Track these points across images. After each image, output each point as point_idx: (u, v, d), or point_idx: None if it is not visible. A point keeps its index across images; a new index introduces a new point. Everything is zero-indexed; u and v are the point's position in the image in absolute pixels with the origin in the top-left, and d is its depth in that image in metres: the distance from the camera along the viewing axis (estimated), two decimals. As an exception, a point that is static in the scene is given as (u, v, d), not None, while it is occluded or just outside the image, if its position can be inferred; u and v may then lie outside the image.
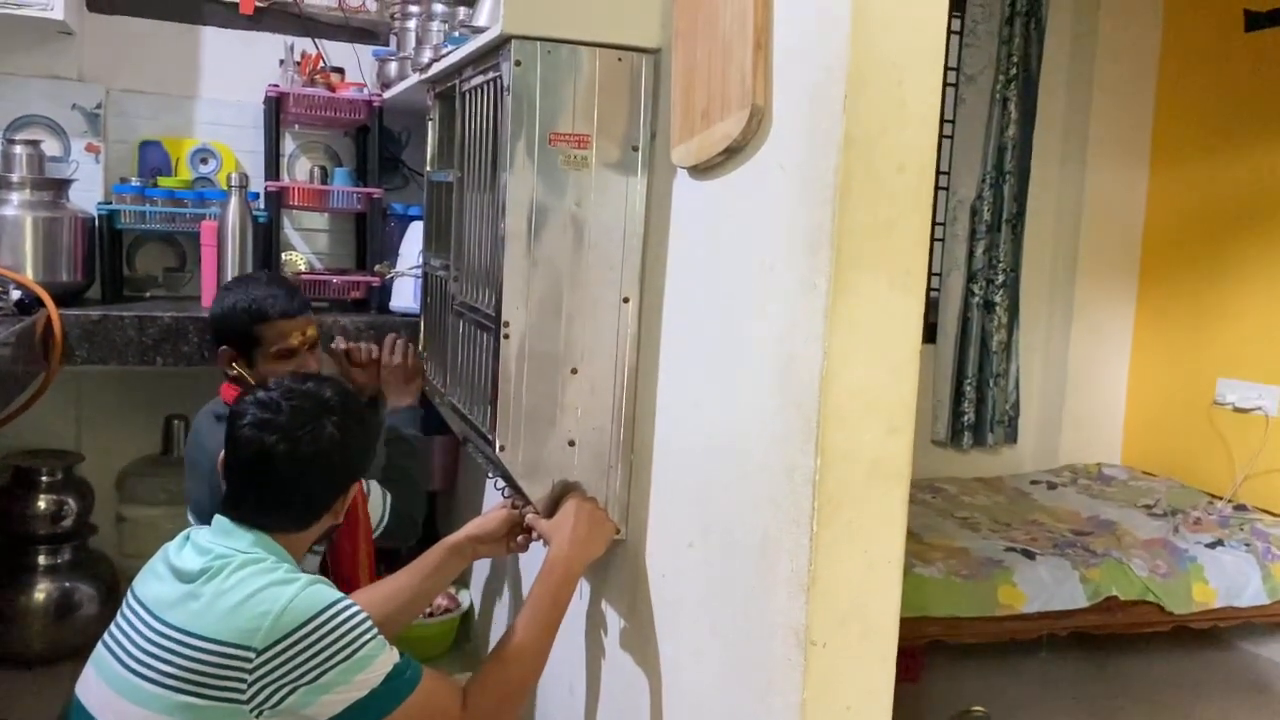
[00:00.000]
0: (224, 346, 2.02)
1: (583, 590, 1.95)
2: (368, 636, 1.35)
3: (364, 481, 2.03)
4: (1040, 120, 3.87)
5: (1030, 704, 2.86)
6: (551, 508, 1.69)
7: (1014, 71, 3.76)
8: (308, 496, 1.49)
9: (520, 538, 1.85)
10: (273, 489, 1.46)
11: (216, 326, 2.05)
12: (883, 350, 1.16)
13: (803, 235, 1.18)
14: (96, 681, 1.40)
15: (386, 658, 1.37)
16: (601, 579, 1.87)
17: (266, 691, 1.31)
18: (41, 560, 2.74)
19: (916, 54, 1.13)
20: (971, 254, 3.86)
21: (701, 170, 1.45)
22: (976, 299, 3.87)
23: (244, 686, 1.30)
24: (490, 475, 2.11)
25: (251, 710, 1.31)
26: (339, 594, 1.38)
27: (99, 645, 1.45)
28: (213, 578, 1.36)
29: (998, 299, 3.89)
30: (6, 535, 2.78)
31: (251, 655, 1.30)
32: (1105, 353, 4.14)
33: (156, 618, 1.37)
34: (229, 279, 2.53)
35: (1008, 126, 3.80)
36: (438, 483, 3.14)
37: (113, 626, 1.45)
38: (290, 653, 1.31)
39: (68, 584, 2.74)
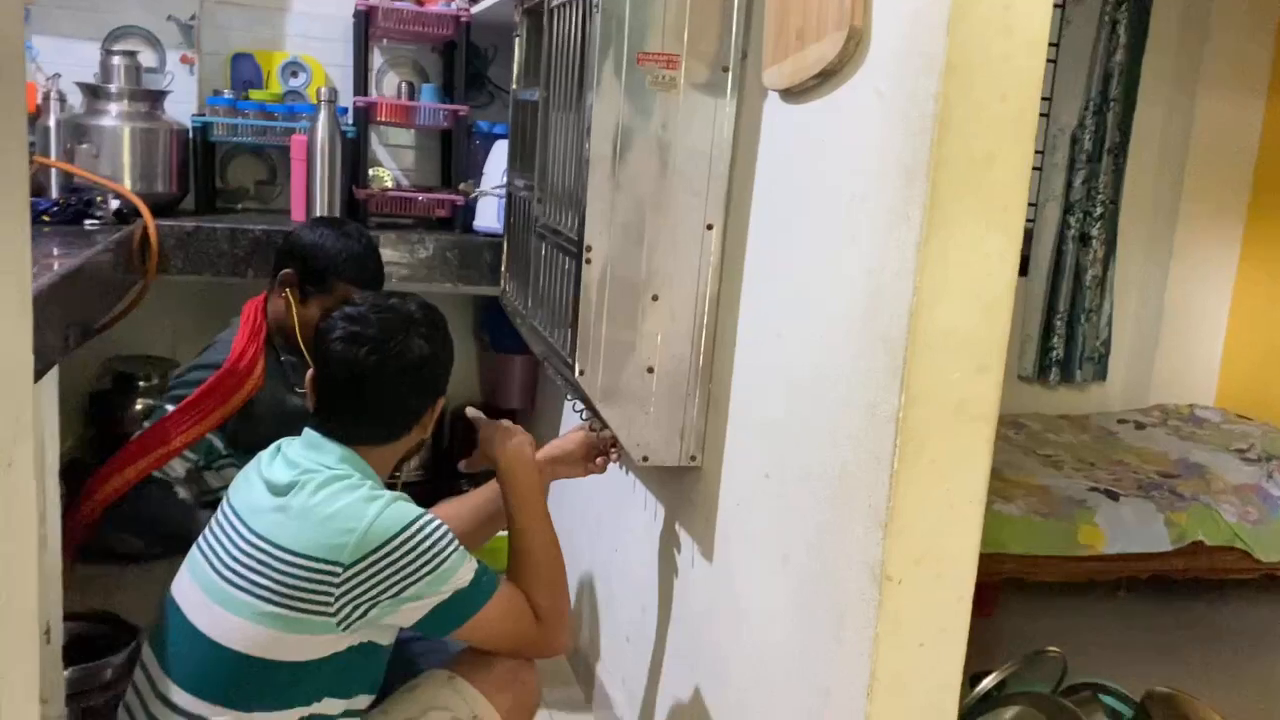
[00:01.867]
0: (289, 269, 2.05)
1: (656, 513, 1.97)
2: (450, 550, 1.39)
3: None
4: (1150, 45, 3.68)
5: (1105, 645, 2.83)
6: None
7: (1126, -8, 3.58)
8: (396, 408, 1.52)
9: (599, 459, 1.86)
10: (363, 401, 1.49)
11: (299, 251, 2.07)
12: (975, 287, 1.13)
13: (897, 165, 1.15)
14: (190, 584, 1.46)
15: (467, 568, 1.42)
16: (675, 503, 1.88)
17: (351, 605, 1.35)
18: (139, 461, 2.85)
19: (1027, -25, 1.08)
20: (1070, 184, 3.73)
21: (794, 94, 1.41)
22: (1072, 231, 3.75)
23: (331, 600, 1.35)
24: (569, 397, 2.13)
25: (338, 624, 1.36)
26: (421, 509, 1.42)
27: (194, 549, 1.51)
28: (299, 491, 1.40)
29: (1094, 232, 3.75)
30: (106, 436, 2.89)
31: (339, 570, 1.34)
32: (1205, 291, 3.99)
33: (248, 527, 1.42)
34: (314, 201, 2.58)
35: (1115, 51, 3.62)
36: (518, 401, 3.18)
37: (207, 532, 1.50)
38: (376, 568, 1.35)
39: (162, 486, 2.85)
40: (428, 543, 1.38)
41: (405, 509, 1.40)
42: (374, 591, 1.35)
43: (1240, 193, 3.93)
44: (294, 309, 2.06)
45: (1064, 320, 3.82)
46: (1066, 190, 3.73)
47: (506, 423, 1.72)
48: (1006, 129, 1.10)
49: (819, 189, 1.35)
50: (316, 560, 1.35)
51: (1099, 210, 3.74)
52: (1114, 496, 2.86)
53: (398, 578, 1.36)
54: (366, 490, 1.41)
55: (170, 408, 2.04)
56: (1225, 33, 3.78)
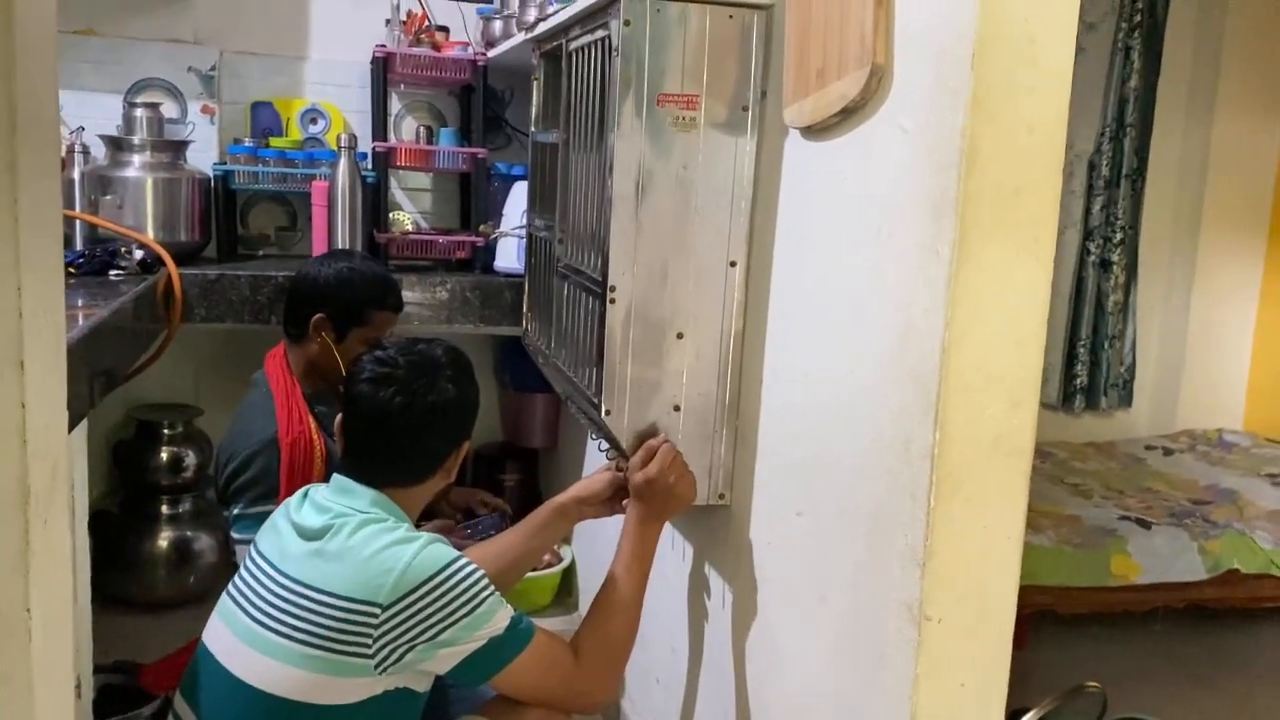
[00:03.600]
0: (321, 314, 2.04)
1: (685, 553, 1.95)
2: (486, 594, 1.39)
3: None
4: (1165, 70, 3.68)
5: (1142, 678, 2.78)
6: (636, 447, 1.68)
7: (1138, 18, 3.58)
8: (423, 451, 1.52)
9: (626, 501, 1.85)
10: (390, 443, 1.49)
11: (324, 293, 2.05)
12: (1008, 321, 1.12)
13: (925, 200, 1.14)
14: (223, 631, 1.45)
15: (503, 614, 1.41)
16: (705, 544, 1.86)
17: (389, 647, 1.35)
18: (164, 510, 2.86)
19: (1049, 10, 1.08)
20: (1089, 211, 3.72)
21: (815, 131, 1.41)
22: (1093, 257, 3.73)
23: (370, 642, 1.34)
24: (594, 436, 2.12)
25: (376, 666, 1.35)
26: (456, 552, 1.42)
27: (224, 597, 1.51)
28: (335, 535, 1.40)
29: (1115, 257, 3.74)
30: (131, 485, 2.90)
31: (378, 611, 1.34)
32: (1229, 314, 3.96)
33: (281, 572, 1.41)
34: (335, 246, 2.59)
35: (1130, 77, 3.62)
36: (540, 440, 3.17)
37: (236, 579, 1.50)
38: (413, 609, 1.35)
39: (188, 533, 2.86)
40: (463, 585, 1.37)
41: (442, 551, 1.40)
42: (412, 634, 1.35)
43: (1260, 214, 3.91)
44: (335, 351, 2.03)
45: (1087, 347, 3.79)
46: (1085, 217, 3.72)
47: (677, 456, 1.64)
48: (1034, 161, 1.10)
49: (844, 226, 1.35)
50: (355, 601, 1.35)
51: (1119, 236, 3.73)
52: (1146, 525, 2.82)
53: (435, 620, 1.35)
54: (402, 532, 1.41)
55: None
56: (1238, 57, 3.77)
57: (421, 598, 1.35)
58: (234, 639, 1.43)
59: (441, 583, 1.36)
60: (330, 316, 2.04)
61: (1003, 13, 1.06)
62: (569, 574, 2.98)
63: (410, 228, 2.92)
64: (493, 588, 1.41)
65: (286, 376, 2.05)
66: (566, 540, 3.06)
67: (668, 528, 2.01)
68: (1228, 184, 3.86)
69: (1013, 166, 1.09)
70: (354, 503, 1.46)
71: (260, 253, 2.95)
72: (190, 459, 2.88)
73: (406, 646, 1.35)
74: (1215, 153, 3.84)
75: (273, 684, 1.37)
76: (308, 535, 1.42)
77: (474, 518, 2.34)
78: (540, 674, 1.44)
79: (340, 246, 2.61)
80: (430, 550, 1.38)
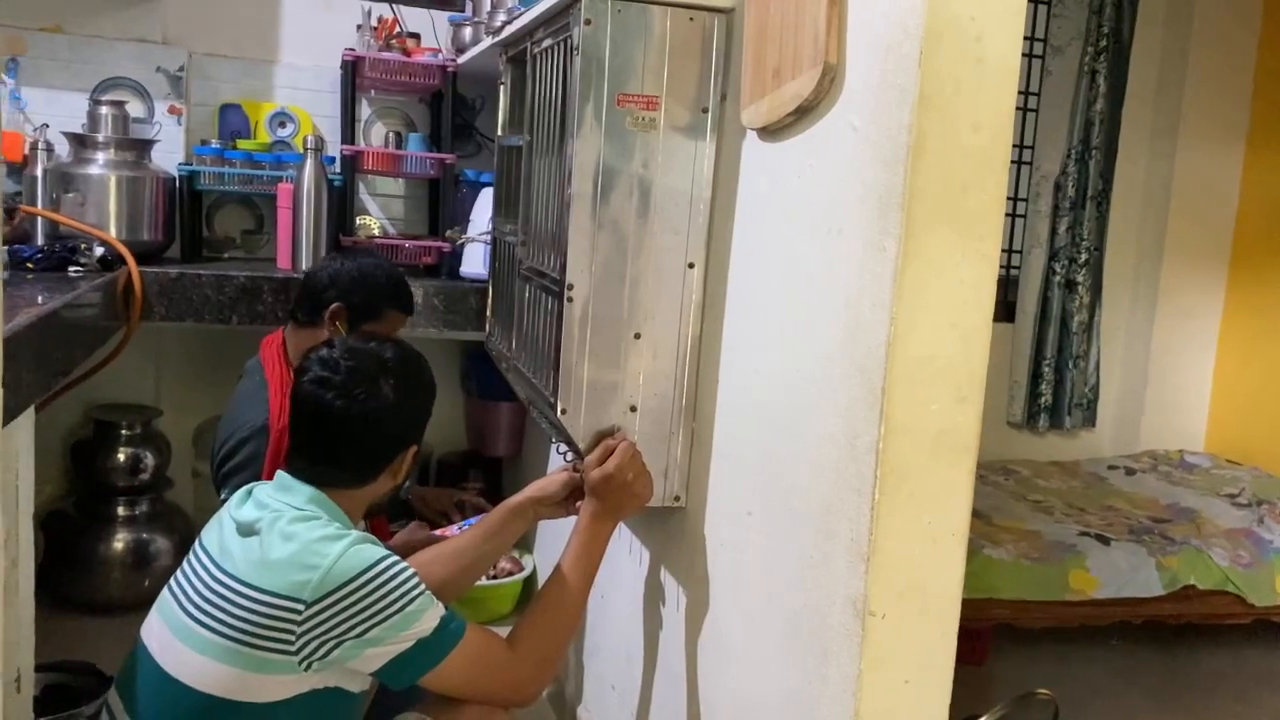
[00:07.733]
0: (339, 304, 2.04)
1: (641, 558, 1.94)
2: (415, 593, 1.37)
3: None
4: (1130, 94, 3.73)
5: (1099, 692, 2.79)
6: (594, 446, 1.68)
7: (1104, 43, 3.63)
8: (362, 454, 1.50)
9: (581, 502, 1.84)
10: (328, 445, 1.48)
11: (344, 284, 2.05)
12: (953, 317, 1.13)
13: (873, 197, 1.15)
14: (159, 625, 1.44)
15: (433, 613, 1.39)
16: (661, 547, 1.86)
17: (314, 644, 1.33)
18: (120, 511, 2.83)
19: (995, 8, 1.09)
20: (1054, 231, 3.75)
21: (771, 131, 1.42)
22: (1058, 278, 3.77)
23: (292, 638, 1.32)
24: (554, 440, 2.11)
25: (300, 663, 1.33)
26: (386, 551, 1.40)
27: (164, 590, 1.49)
28: (266, 530, 1.38)
29: (1080, 278, 3.77)
30: (87, 486, 2.87)
31: (300, 607, 1.32)
32: (1191, 336, 4.00)
33: (217, 565, 1.40)
34: (300, 250, 2.59)
35: (1095, 100, 3.67)
36: (504, 449, 3.16)
37: (178, 573, 1.49)
38: (338, 607, 1.33)
39: (145, 535, 2.82)
40: (391, 584, 1.36)
41: (370, 550, 1.38)
42: (337, 631, 1.33)
43: (1223, 238, 3.96)
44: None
45: (1052, 366, 3.82)
46: (1051, 237, 3.76)
47: (636, 454, 1.64)
48: (980, 158, 1.11)
49: (797, 224, 1.35)
50: (279, 597, 1.33)
51: (1084, 257, 3.77)
52: (1105, 541, 2.84)
53: (361, 618, 1.34)
54: (332, 530, 1.39)
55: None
56: (1202, 83, 3.83)
57: (347, 595, 1.33)
58: (169, 634, 1.41)
59: (368, 581, 1.34)
60: (347, 307, 2.04)
61: (949, 11, 1.07)
62: (530, 582, 2.97)
63: (377, 232, 2.91)
64: (423, 587, 1.39)
65: (281, 364, 2.06)
66: (528, 549, 3.04)
67: (624, 533, 2.01)
68: (1191, 208, 3.91)
69: (958, 163, 1.10)
70: (291, 499, 1.44)
71: (225, 255, 2.94)
72: (149, 460, 2.85)
73: (334, 642, 1.33)
74: (1179, 176, 3.89)
75: (201, 680, 1.35)
76: (243, 531, 1.41)
77: (451, 520, 2.31)
78: (472, 673, 1.43)
79: (305, 250, 2.60)
80: (358, 549, 1.37)
